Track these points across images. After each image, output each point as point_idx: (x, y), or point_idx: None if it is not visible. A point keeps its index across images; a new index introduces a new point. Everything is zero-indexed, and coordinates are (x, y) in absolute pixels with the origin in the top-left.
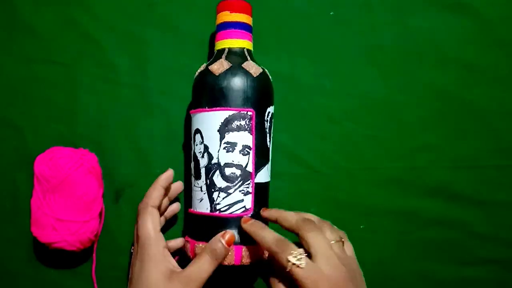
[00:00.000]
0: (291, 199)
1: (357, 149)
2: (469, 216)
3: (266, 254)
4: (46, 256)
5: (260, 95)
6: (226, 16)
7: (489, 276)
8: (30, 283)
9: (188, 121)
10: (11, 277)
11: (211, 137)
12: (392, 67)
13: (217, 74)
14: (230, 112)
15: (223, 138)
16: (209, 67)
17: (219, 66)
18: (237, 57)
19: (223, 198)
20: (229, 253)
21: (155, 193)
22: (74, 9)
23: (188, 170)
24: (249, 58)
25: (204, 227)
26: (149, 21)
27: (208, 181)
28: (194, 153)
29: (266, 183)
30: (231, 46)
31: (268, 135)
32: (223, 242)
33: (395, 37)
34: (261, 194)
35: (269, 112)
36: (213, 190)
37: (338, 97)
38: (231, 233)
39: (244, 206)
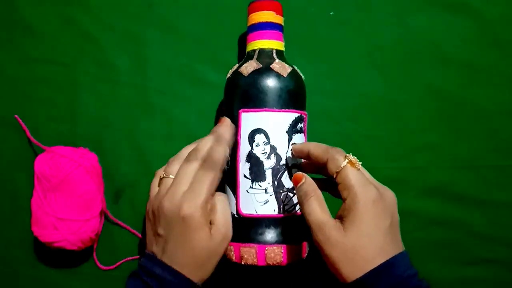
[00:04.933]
0: None
1: (357, 149)
2: (469, 216)
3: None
4: (46, 256)
5: (306, 98)
6: (273, 17)
7: (489, 276)
8: (30, 283)
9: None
10: (11, 277)
11: (280, 138)
12: (392, 67)
13: (284, 75)
14: (296, 114)
15: (290, 139)
16: (273, 67)
17: (283, 68)
18: (284, 59)
19: (290, 199)
20: (276, 253)
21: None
22: (74, 9)
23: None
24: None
25: (269, 229)
26: (149, 21)
27: (276, 182)
28: (253, 153)
29: None
30: (278, 48)
31: None
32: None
33: (395, 37)
34: None
35: None
36: (281, 191)
37: (338, 97)
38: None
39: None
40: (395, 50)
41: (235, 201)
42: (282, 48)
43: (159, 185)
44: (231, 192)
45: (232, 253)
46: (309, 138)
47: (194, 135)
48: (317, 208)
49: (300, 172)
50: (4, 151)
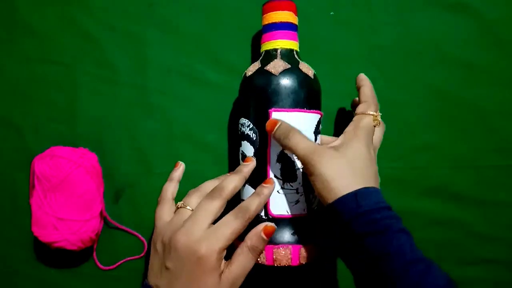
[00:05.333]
0: None
1: None
2: (468, 216)
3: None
4: (46, 256)
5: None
6: (292, 17)
7: (489, 276)
8: (30, 283)
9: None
10: (11, 277)
11: (309, 138)
12: (392, 67)
13: (312, 77)
14: (319, 116)
15: (316, 139)
16: (301, 68)
17: (309, 69)
18: (302, 60)
19: (316, 198)
20: (286, 254)
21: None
22: (74, 9)
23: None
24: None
25: (300, 228)
26: (149, 21)
27: (305, 182)
28: (285, 154)
29: None
30: (297, 49)
31: None
32: (264, 236)
33: (395, 37)
34: None
35: None
36: (309, 191)
37: (338, 97)
38: (270, 225)
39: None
40: (395, 50)
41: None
42: (291, 47)
43: (174, 213)
44: None
45: (264, 256)
46: None
47: (194, 135)
48: (304, 138)
49: (273, 119)
50: (4, 151)
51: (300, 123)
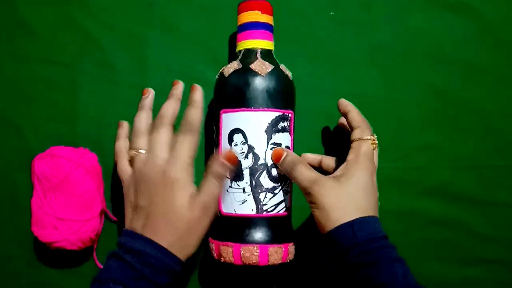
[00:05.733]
0: (292, 199)
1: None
2: (469, 216)
3: (292, 256)
4: (46, 256)
5: (294, 97)
6: (258, 16)
7: (489, 276)
8: (30, 283)
9: (209, 121)
10: (11, 277)
11: (257, 138)
12: (392, 67)
13: (263, 75)
14: (277, 113)
15: (270, 139)
16: (252, 67)
17: (263, 66)
18: (270, 58)
19: (270, 199)
20: (252, 253)
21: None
22: (74, 9)
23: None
24: (277, 60)
25: (248, 228)
26: (149, 21)
27: (253, 182)
28: None
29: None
30: (263, 47)
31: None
32: (224, 161)
33: (395, 37)
34: (291, 193)
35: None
36: (259, 191)
37: (338, 97)
38: (230, 150)
39: (285, 206)
40: (395, 50)
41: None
42: (270, 47)
43: (131, 165)
44: None
45: (213, 250)
46: (310, 138)
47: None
48: (307, 170)
49: (279, 148)
50: (4, 151)
51: (246, 122)
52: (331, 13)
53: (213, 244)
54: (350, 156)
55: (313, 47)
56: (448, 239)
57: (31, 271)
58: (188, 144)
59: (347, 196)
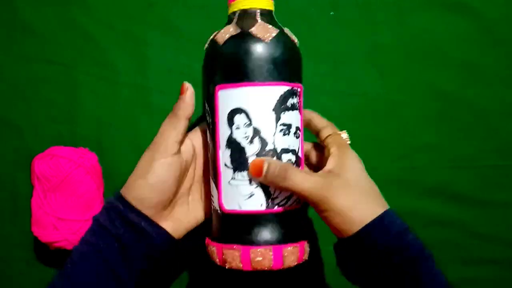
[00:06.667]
0: None
1: (357, 149)
2: (469, 216)
3: (307, 255)
4: (46, 256)
5: (302, 68)
6: None
7: (489, 276)
8: (30, 283)
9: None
10: (11, 277)
11: (264, 118)
12: (392, 67)
13: (267, 41)
14: (286, 88)
15: (279, 119)
16: (252, 31)
17: (266, 30)
18: (272, 21)
19: (280, 191)
20: (264, 256)
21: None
22: (74, 9)
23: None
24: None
25: (256, 227)
26: (149, 21)
27: None
28: (233, 138)
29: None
30: (263, 6)
31: None
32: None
33: (395, 37)
34: None
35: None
36: None
37: (338, 97)
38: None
39: (298, 198)
40: (395, 50)
41: (217, 195)
42: (270, 7)
43: None
44: (214, 186)
45: (215, 255)
46: (310, 138)
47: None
48: (305, 174)
49: (257, 159)
50: (4, 151)
51: (250, 100)
52: (331, 13)
53: (214, 248)
54: (333, 150)
55: (313, 47)
56: (448, 239)
57: (31, 271)
58: (168, 120)
59: (359, 191)
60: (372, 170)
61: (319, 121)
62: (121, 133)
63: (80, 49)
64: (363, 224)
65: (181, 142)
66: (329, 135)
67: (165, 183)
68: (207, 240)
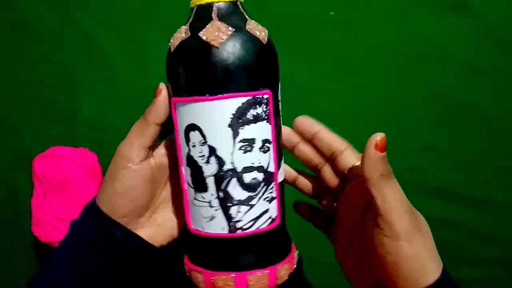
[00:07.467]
0: (292, 199)
1: (357, 149)
2: (469, 216)
3: (279, 281)
4: (46, 256)
5: (274, 68)
6: None
7: (489, 276)
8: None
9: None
10: (11, 277)
11: (220, 135)
12: (392, 67)
13: (217, 45)
14: (243, 99)
15: (237, 135)
16: (201, 35)
17: (217, 32)
18: (232, 16)
19: (245, 213)
20: (229, 283)
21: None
22: (74, 9)
23: (175, 177)
24: (247, 16)
25: (220, 251)
26: (149, 21)
27: (221, 193)
28: (190, 157)
29: (283, 181)
30: (222, 0)
31: (280, 117)
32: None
33: (395, 37)
34: (283, 196)
35: (279, 90)
36: (230, 204)
37: (338, 97)
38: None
39: (270, 216)
40: (395, 50)
41: (185, 213)
42: None
43: None
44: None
45: (187, 271)
46: None
47: None
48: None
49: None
50: (4, 151)
51: (202, 116)
52: (331, 13)
53: (185, 265)
54: (378, 194)
55: (313, 47)
56: (448, 239)
57: (31, 271)
58: (135, 125)
59: (427, 241)
60: None
61: (333, 140)
62: (121, 133)
63: (80, 49)
64: (433, 280)
65: (150, 148)
66: (356, 165)
67: (133, 190)
68: (185, 257)
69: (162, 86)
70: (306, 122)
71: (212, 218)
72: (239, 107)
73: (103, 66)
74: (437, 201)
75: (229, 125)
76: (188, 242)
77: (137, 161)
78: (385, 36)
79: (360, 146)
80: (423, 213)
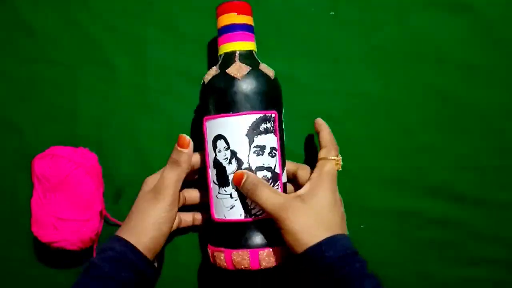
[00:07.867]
0: None
1: (357, 149)
2: (469, 216)
3: (283, 260)
4: (46, 256)
5: (279, 96)
6: (233, 18)
7: (489, 276)
8: (30, 283)
9: (197, 127)
10: (11, 277)
11: (239, 142)
12: (392, 67)
13: (239, 78)
14: (257, 116)
15: (252, 142)
16: (228, 71)
17: (239, 70)
18: (249, 59)
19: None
20: (245, 258)
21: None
22: (74, 9)
23: (202, 178)
24: (259, 60)
25: (238, 233)
26: (149, 21)
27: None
28: (217, 160)
29: (286, 183)
30: (241, 48)
31: (283, 131)
32: (178, 148)
33: (395, 37)
34: (285, 193)
35: (282, 112)
36: (245, 196)
37: (338, 97)
38: (181, 136)
39: None
40: (395, 50)
41: (210, 207)
42: (249, 48)
43: None
44: (208, 199)
45: (210, 255)
46: (310, 139)
47: (194, 135)
48: (271, 193)
49: (239, 171)
50: (4, 151)
51: (226, 128)
52: (331, 13)
53: (209, 249)
54: (314, 175)
55: (313, 47)
56: (448, 239)
57: (31, 271)
58: (164, 168)
59: (314, 216)
60: (372, 170)
61: (323, 138)
62: (121, 133)
63: (80, 49)
64: (305, 247)
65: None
66: (322, 158)
67: (163, 226)
68: (208, 245)
69: (189, 139)
70: (317, 122)
71: (232, 207)
72: (254, 122)
73: (103, 66)
74: (437, 201)
75: (246, 135)
76: (211, 231)
77: (170, 202)
78: (385, 36)
79: (358, 145)
80: (424, 213)
